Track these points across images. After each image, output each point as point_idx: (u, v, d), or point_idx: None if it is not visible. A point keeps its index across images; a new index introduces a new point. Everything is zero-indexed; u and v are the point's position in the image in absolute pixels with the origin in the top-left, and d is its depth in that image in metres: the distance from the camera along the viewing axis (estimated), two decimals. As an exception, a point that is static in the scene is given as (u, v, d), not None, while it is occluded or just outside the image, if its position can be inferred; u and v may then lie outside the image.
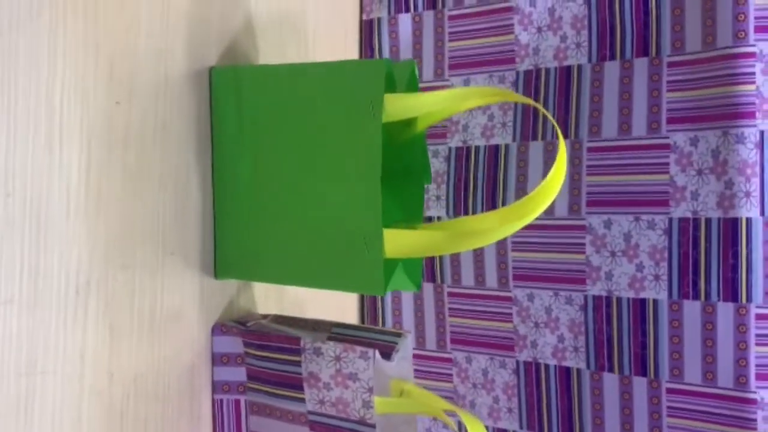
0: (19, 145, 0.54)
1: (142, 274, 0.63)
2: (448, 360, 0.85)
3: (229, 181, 0.68)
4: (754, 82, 0.67)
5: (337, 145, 0.60)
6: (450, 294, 0.84)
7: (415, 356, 0.87)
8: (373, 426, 0.60)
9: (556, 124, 0.52)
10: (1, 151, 0.53)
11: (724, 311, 0.68)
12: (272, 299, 0.77)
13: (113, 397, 0.61)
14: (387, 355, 0.63)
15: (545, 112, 0.52)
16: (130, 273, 0.62)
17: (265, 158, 0.66)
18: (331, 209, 0.61)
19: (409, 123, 0.62)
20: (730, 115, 0.68)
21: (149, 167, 0.64)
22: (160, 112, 0.65)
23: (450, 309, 0.84)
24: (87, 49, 0.58)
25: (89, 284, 0.59)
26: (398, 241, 0.57)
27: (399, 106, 0.56)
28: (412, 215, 0.65)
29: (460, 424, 0.86)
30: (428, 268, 0.85)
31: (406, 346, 0.65)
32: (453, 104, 0.55)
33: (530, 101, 0.52)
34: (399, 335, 0.65)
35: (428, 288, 0.85)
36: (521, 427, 0.80)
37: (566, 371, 0.77)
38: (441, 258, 0.84)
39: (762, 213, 0.67)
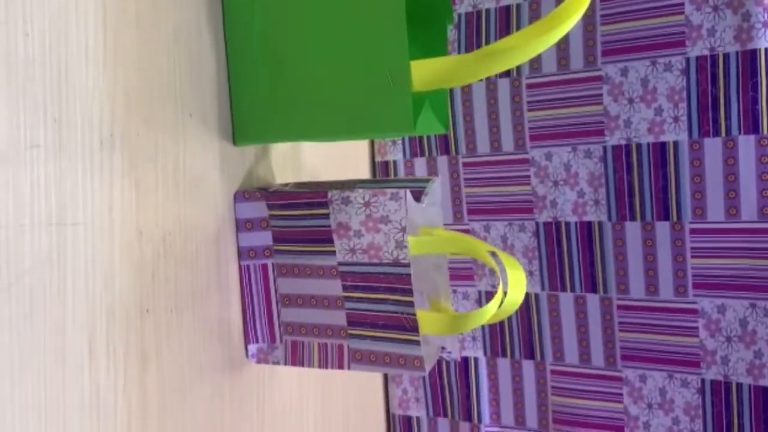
0: (34, -16, 0.52)
1: (163, 132, 0.62)
2: (467, 231, 0.85)
3: (241, 36, 0.67)
4: None
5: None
6: (465, 164, 0.84)
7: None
8: (407, 265, 0.60)
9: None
10: (16, -9, 0.51)
11: (746, 144, 0.69)
12: (289, 168, 0.77)
13: (144, 255, 0.60)
14: (417, 197, 0.63)
15: None
16: (152, 130, 0.61)
17: (277, 12, 0.64)
18: (353, 51, 0.60)
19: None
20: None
21: (162, 22, 0.62)
22: (170, -34, 0.63)
23: (465, 179, 0.84)
24: None
25: (113, 137, 0.58)
26: (425, 71, 0.56)
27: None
28: (435, 56, 0.64)
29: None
30: (442, 141, 0.84)
31: (435, 190, 0.65)
32: None
33: None
34: (427, 180, 0.64)
35: (443, 160, 0.85)
36: (543, 289, 0.80)
37: (587, 226, 0.77)
38: (455, 127, 0.83)
39: (781, 42, 0.67)
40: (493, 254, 0.81)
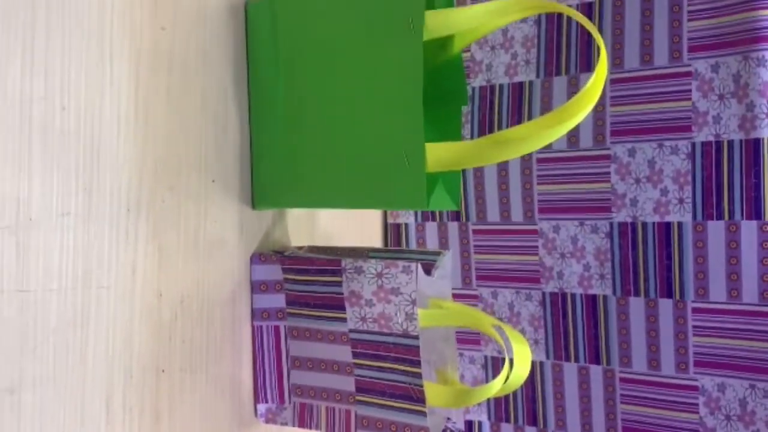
0: (74, 62, 0.55)
1: (186, 198, 0.65)
2: (475, 296, 0.87)
3: (265, 108, 0.70)
4: (773, 7, 0.70)
5: (376, 64, 0.62)
6: (475, 231, 0.86)
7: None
8: (416, 337, 0.62)
9: (591, 26, 0.54)
10: (57, 67, 0.54)
11: (748, 229, 0.71)
12: (304, 233, 0.79)
13: (162, 317, 0.63)
14: (427, 270, 0.65)
15: (586, 22, 0.54)
16: (176, 195, 0.64)
17: (300, 84, 0.67)
18: (371, 128, 0.63)
19: (445, 45, 0.64)
20: (751, 39, 0.71)
21: (191, 92, 0.65)
22: (201, 40, 0.66)
23: (475, 246, 0.86)
24: (133, -27, 0.60)
25: (139, 204, 0.61)
26: (440, 153, 0.59)
27: (439, 21, 0.58)
28: (450, 138, 0.66)
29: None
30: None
31: (445, 264, 0.67)
32: (493, 18, 0.57)
33: (576, 14, 0.54)
34: (438, 254, 0.67)
35: (453, 226, 0.87)
36: (548, 357, 0.82)
37: (592, 299, 0.79)
38: (466, 196, 0.86)
39: (784, 132, 0.70)
40: (499, 328, 0.83)
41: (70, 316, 0.55)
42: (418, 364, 0.62)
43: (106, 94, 0.58)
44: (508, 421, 0.85)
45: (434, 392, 0.63)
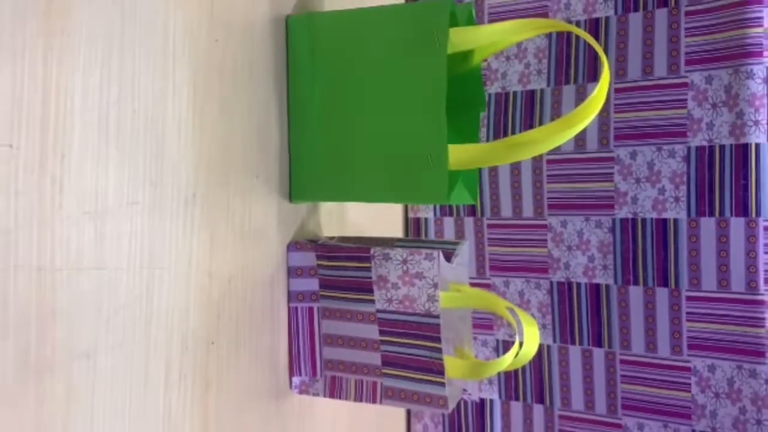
0: (143, 72, 0.64)
1: (235, 192, 0.73)
2: (488, 285, 0.95)
3: (302, 114, 0.78)
4: (761, 25, 0.77)
5: (405, 75, 0.70)
6: (489, 225, 0.94)
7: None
8: (437, 317, 0.70)
9: (596, 45, 0.62)
10: (128, 75, 0.62)
11: (737, 225, 0.79)
12: (334, 224, 0.87)
13: (212, 295, 0.71)
14: (448, 257, 0.73)
15: (592, 41, 0.62)
16: (226, 190, 0.72)
17: (335, 92, 0.75)
18: (399, 131, 0.71)
19: (466, 57, 0.72)
20: (741, 54, 0.78)
21: (239, 98, 0.74)
22: (247, 51, 0.75)
23: (489, 239, 0.94)
24: (193, -7, 0.68)
25: (195, 197, 0.69)
26: (460, 154, 0.66)
27: (461, 37, 0.66)
28: (469, 140, 0.74)
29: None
30: (470, 204, 0.95)
31: (464, 252, 0.75)
32: (509, 35, 0.65)
33: (583, 33, 0.62)
34: (457, 243, 0.74)
35: (469, 221, 0.95)
36: (554, 341, 0.90)
37: (596, 287, 0.87)
38: (481, 193, 0.94)
39: (769, 138, 0.77)
40: (512, 310, 0.91)
41: (137, 292, 0.64)
42: (438, 340, 0.70)
43: (169, 100, 0.66)
44: (517, 399, 0.93)
45: (452, 365, 0.71)
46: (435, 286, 0.70)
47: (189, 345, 0.68)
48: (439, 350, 0.70)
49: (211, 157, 0.70)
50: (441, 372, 0.70)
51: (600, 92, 0.62)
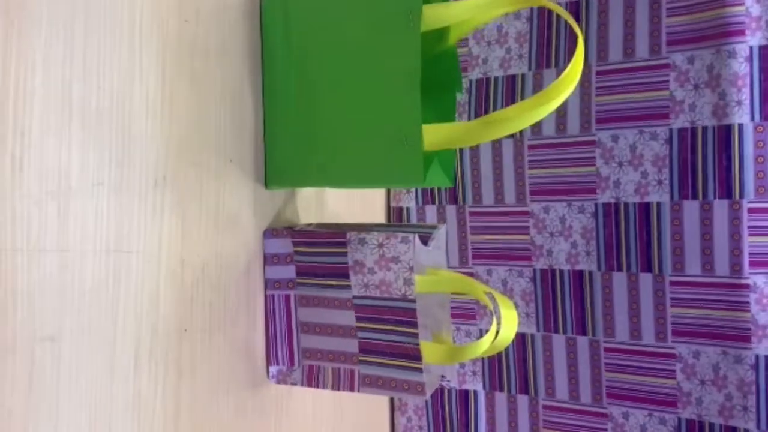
0: (108, 49, 0.62)
1: (207, 175, 0.72)
2: (471, 274, 0.93)
3: (277, 96, 0.76)
4: (743, 3, 0.76)
5: (379, 54, 0.69)
6: (471, 213, 0.92)
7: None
8: (413, 301, 0.69)
9: (570, 19, 0.60)
10: (93, 52, 0.61)
11: (720, 208, 0.77)
12: (313, 211, 0.86)
13: (185, 281, 0.69)
14: (424, 240, 0.71)
15: (565, 14, 0.61)
16: (198, 172, 0.71)
17: (309, 74, 0.74)
18: (373, 113, 0.69)
19: (442, 37, 0.71)
20: (723, 34, 0.77)
21: (211, 79, 0.72)
22: (220, 32, 0.73)
23: (471, 227, 0.93)
24: (161, -29, 0.67)
25: (165, 178, 0.67)
26: (436, 134, 0.65)
27: (435, 14, 0.65)
28: (444, 121, 0.73)
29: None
30: (451, 192, 0.93)
31: (440, 236, 0.73)
32: (484, 11, 0.64)
33: (555, 7, 0.60)
34: (434, 227, 0.73)
35: (451, 209, 0.94)
36: (538, 330, 0.88)
37: (579, 275, 0.85)
38: (462, 180, 0.92)
39: (752, 118, 0.76)
40: (490, 295, 0.89)
41: (103, 276, 0.62)
42: (414, 325, 0.69)
43: (136, 77, 0.65)
44: (501, 390, 0.91)
45: (429, 350, 0.70)
46: (411, 269, 0.68)
47: (160, 331, 0.67)
48: (416, 335, 0.69)
49: (181, 138, 0.69)
50: (418, 357, 0.69)
51: (574, 67, 0.61)
